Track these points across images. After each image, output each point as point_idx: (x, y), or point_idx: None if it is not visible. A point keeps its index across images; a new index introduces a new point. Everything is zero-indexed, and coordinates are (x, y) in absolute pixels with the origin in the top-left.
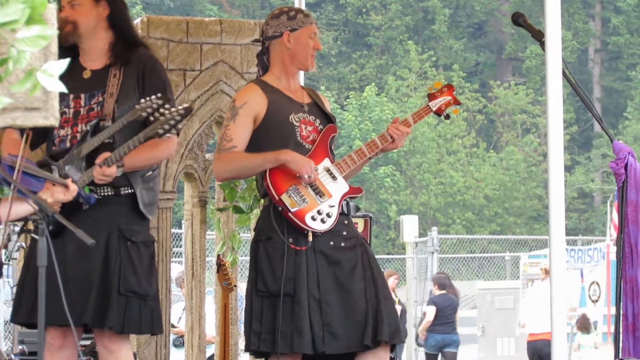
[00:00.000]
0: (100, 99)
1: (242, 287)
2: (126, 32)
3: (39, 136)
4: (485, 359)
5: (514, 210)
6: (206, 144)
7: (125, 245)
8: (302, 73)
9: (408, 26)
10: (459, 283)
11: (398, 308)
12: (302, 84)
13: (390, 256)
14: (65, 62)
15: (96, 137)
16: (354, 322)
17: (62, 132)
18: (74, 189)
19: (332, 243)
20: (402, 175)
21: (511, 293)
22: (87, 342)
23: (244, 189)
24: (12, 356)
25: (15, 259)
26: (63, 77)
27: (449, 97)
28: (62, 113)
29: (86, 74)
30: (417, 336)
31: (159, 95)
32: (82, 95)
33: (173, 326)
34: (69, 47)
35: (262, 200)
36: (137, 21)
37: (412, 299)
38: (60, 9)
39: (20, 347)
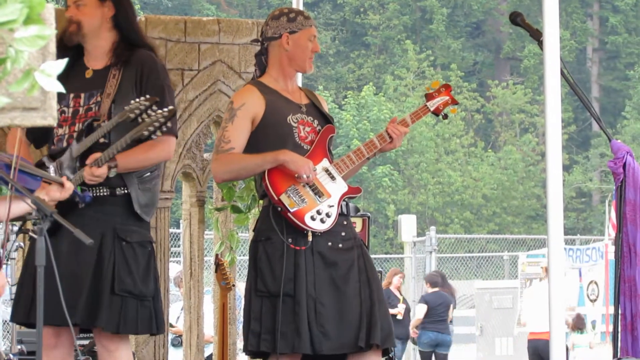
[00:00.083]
0: (99, 99)
1: (240, 286)
2: (130, 32)
3: (42, 135)
4: (484, 359)
5: (512, 209)
6: (204, 144)
7: (120, 245)
8: (299, 73)
9: (406, 25)
10: (457, 282)
11: (402, 307)
12: (299, 83)
13: (388, 256)
14: (64, 62)
15: (88, 137)
16: (347, 323)
17: (60, 131)
18: (69, 187)
19: (330, 244)
20: (400, 175)
21: (509, 292)
22: (86, 342)
23: (242, 188)
24: (11, 356)
25: (14, 258)
26: (65, 77)
27: (447, 97)
28: (62, 112)
29: (88, 74)
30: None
31: (147, 96)
32: (82, 95)
33: (171, 326)
34: (73, 47)
35: (261, 201)
36: None
37: (411, 299)
38: (66, 8)
39: (19, 346)
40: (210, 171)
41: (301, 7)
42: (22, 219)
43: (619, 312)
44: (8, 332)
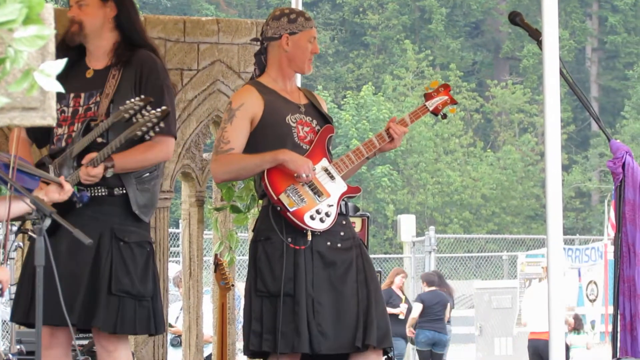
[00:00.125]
0: (98, 99)
1: (239, 286)
2: (132, 33)
3: (43, 135)
4: (483, 359)
5: (512, 209)
6: (203, 144)
7: (118, 245)
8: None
9: (405, 25)
10: (456, 282)
11: (405, 307)
12: (298, 83)
13: (387, 256)
14: (63, 62)
15: (85, 137)
16: (344, 323)
17: (59, 131)
18: (68, 188)
19: (328, 243)
20: (399, 175)
21: (509, 292)
22: (86, 342)
23: (241, 188)
24: (10, 356)
25: (13, 258)
26: (66, 77)
27: (446, 97)
28: (62, 112)
29: (89, 74)
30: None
31: (141, 97)
32: (82, 95)
33: (171, 326)
34: (75, 47)
35: (260, 201)
36: None
37: (410, 299)
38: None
39: (18, 346)
40: (210, 171)
41: (300, 7)
42: (21, 218)
43: (618, 312)
44: (7, 332)
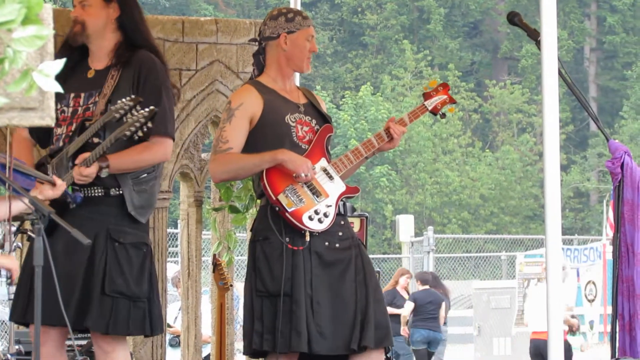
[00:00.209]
0: (97, 99)
1: (238, 286)
2: (135, 34)
3: (45, 134)
4: (482, 359)
5: (510, 209)
6: (202, 144)
7: (113, 246)
8: (297, 73)
9: (403, 25)
10: (455, 283)
11: (410, 305)
12: (297, 83)
13: (386, 256)
14: (61, 62)
15: (80, 137)
16: (342, 324)
17: (58, 131)
18: (60, 184)
19: (327, 244)
20: (397, 175)
21: (507, 292)
22: (84, 342)
23: (239, 188)
24: (9, 356)
25: None
26: (68, 77)
27: (445, 96)
28: (62, 112)
29: (90, 74)
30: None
31: (132, 96)
32: (82, 95)
33: (169, 326)
34: (79, 47)
35: (258, 200)
36: None
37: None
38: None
39: (17, 347)
40: (208, 171)
41: (299, 7)
42: (20, 219)
43: (617, 312)
44: (6, 332)
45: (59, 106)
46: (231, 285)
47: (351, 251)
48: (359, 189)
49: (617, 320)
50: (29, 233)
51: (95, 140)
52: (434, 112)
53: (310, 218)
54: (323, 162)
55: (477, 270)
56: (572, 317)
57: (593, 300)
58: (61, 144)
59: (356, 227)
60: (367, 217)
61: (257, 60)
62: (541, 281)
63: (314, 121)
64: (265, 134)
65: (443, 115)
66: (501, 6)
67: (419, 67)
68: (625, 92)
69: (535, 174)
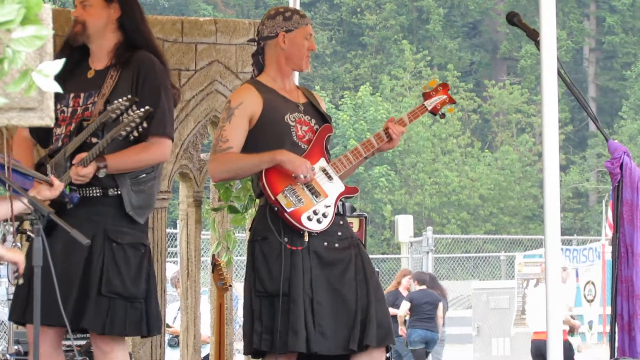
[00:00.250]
0: (96, 99)
1: (237, 287)
2: (135, 34)
3: (46, 134)
4: (481, 359)
5: (509, 210)
6: (201, 144)
7: (110, 246)
8: (296, 73)
9: (402, 26)
10: (454, 283)
11: (405, 306)
12: (296, 83)
13: (385, 256)
14: (61, 62)
15: (77, 137)
16: (343, 323)
17: (58, 131)
18: (58, 184)
19: (326, 244)
20: (396, 175)
21: (506, 293)
22: (83, 342)
23: (238, 188)
24: (8, 356)
25: None
26: (68, 77)
27: (444, 96)
28: (61, 112)
29: (90, 74)
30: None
31: (128, 97)
32: (82, 95)
33: (168, 326)
34: (80, 47)
35: (257, 200)
36: None
37: None
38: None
39: (16, 347)
40: (207, 171)
41: (298, 7)
42: (19, 219)
43: (616, 312)
44: (5, 332)
45: (58, 106)
46: (230, 286)
47: (351, 251)
48: (358, 189)
49: (616, 321)
50: (29, 233)
51: (94, 140)
52: (433, 112)
53: (309, 218)
54: (322, 162)
55: (476, 270)
56: (572, 317)
57: (592, 301)
58: (60, 144)
59: (355, 227)
60: (366, 217)
61: (257, 61)
62: (541, 281)
63: (313, 121)
64: (265, 134)
65: (442, 116)
66: (500, 6)
67: (418, 68)
68: (625, 93)
69: (534, 174)
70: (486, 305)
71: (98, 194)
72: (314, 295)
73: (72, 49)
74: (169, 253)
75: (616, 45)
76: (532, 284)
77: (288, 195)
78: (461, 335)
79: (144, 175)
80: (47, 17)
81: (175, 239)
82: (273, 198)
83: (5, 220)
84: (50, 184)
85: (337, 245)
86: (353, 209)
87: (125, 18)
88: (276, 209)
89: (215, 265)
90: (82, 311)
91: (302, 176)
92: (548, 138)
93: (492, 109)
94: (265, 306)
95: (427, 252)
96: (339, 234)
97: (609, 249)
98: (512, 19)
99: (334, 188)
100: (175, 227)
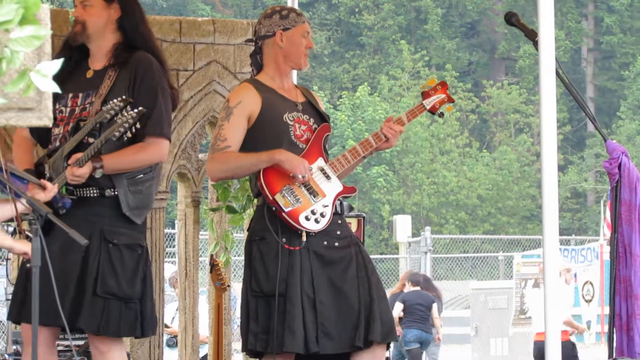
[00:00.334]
0: (93, 99)
1: (235, 287)
2: (135, 35)
3: (46, 134)
4: (479, 359)
5: (507, 210)
6: (199, 144)
7: (107, 247)
8: (295, 72)
9: (401, 26)
10: (452, 283)
11: (398, 307)
12: (295, 83)
13: (383, 256)
14: (59, 62)
15: (73, 137)
16: (347, 322)
17: (56, 131)
18: (51, 187)
19: (325, 243)
20: (395, 175)
21: (504, 293)
22: (82, 342)
23: (237, 189)
24: (6, 356)
25: (10, 259)
26: (67, 77)
27: (443, 95)
28: (60, 111)
29: (89, 74)
30: None
31: (123, 97)
32: (80, 95)
33: (166, 326)
34: (80, 47)
35: (255, 200)
36: None
37: None
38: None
39: (15, 347)
40: (206, 171)
41: (296, 7)
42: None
43: (615, 312)
44: (3, 332)
45: (57, 106)
46: (228, 286)
47: (351, 249)
48: (356, 188)
49: (615, 321)
50: (27, 233)
51: (90, 140)
52: (432, 111)
53: (307, 218)
54: (320, 162)
55: (475, 270)
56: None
57: (590, 301)
58: (58, 143)
59: (353, 227)
60: (364, 218)
61: (255, 60)
62: (540, 281)
63: (312, 120)
64: (264, 133)
65: (441, 115)
66: (498, 6)
67: (417, 68)
68: (623, 93)
69: (532, 174)
70: (484, 305)
71: (95, 195)
72: (315, 295)
73: (72, 49)
74: (167, 253)
75: (614, 45)
76: (530, 284)
77: (286, 195)
78: (459, 336)
79: (142, 175)
80: (45, 17)
81: (174, 239)
82: (271, 198)
83: (5, 222)
84: (43, 188)
85: (336, 244)
86: (351, 208)
87: (125, 18)
88: (274, 208)
89: (213, 266)
90: (79, 311)
91: (300, 176)
92: (546, 138)
93: (490, 109)
94: (262, 306)
95: (425, 252)
96: (338, 232)
97: (607, 249)
98: (511, 19)
99: (332, 188)
100: (173, 227)
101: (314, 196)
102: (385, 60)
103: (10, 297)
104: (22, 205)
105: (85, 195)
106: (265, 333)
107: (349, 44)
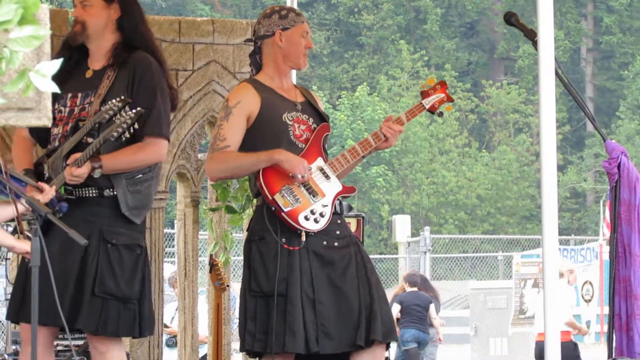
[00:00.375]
0: (92, 99)
1: (234, 287)
2: (134, 35)
3: (45, 134)
4: (478, 359)
5: (507, 210)
6: (198, 144)
7: (105, 247)
8: (294, 72)
9: (400, 26)
10: (452, 283)
11: (395, 308)
12: (294, 82)
13: (382, 256)
14: (58, 62)
15: (72, 137)
16: (347, 321)
17: (55, 131)
18: (48, 189)
19: (325, 243)
20: (394, 175)
21: (504, 293)
22: (81, 342)
23: (236, 189)
24: (6, 356)
25: (9, 259)
26: (67, 77)
27: (443, 95)
28: (59, 111)
29: (88, 74)
30: None
31: (121, 97)
32: (79, 95)
33: (166, 326)
34: (79, 47)
35: (254, 200)
36: None
37: None
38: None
39: (14, 347)
40: (205, 171)
41: (295, 7)
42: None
43: (614, 312)
44: (3, 332)
45: (56, 106)
46: (228, 286)
47: (350, 249)
48: (355, 188)
49: (614, 321)
50: (27, 233)
51: (89, 140)
52: (431, 110)
53: (307, 218)
54: (320, 162)
55: (474, 270)
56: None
57: (590, 301)
58: (57, 143)
59: (353, 227)
60: (363, 218)
61: (254, 60)
62: (540, 281)
63: (311, 120)
64: (263, 132)
65: (440, 114)
66: (498, 6)
67: (416, 68)
68: (622, 92)
69: (531, 174)
70: (484, 305)
71: (94, 195)
72: (315, 295)
73: (71, 49)
74: (166, 253)
75: (614, 45)
76: (529, 284)
77: (285, 194)
78: (459, 335)
79: (141, 175)
80: (44, 17)
81: (173, 239)
82: (270, 198)
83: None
84: (40, 190)
85: (336, 244)
86: (350, 208)
87: (125, 19)
88: (273, 208)
89: (212, 266)
90: (77, 311)
91: (299, 176)
92: (545, 138)
93: (490, 109)
94: (261, 306)
95: (425, 252)
96: (338, 232)
97: (606, 249)
98: (510, 18)
99: (331, 187)
100: (172, 227)
101: (314, 196)
102: (385, 60)
103: (9, 297)
104: (21, 206)
105: (84, 195)
106: (263, 333)
107: (348, 44)
